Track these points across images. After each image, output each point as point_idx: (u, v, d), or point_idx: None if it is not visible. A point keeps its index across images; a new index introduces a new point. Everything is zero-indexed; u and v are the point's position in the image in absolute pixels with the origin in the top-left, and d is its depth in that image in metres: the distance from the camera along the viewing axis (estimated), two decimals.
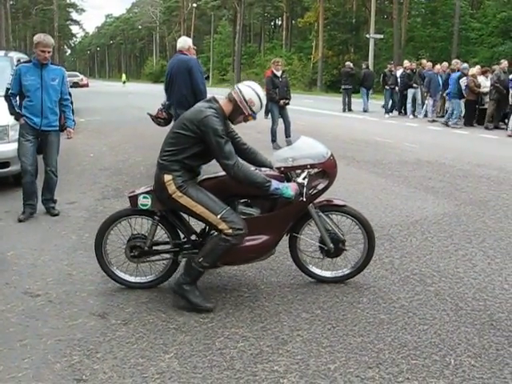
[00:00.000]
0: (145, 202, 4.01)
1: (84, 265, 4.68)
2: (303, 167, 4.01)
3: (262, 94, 4.00)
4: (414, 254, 5.04)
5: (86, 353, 3.27)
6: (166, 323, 3.65)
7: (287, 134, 11.65)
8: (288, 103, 11.65)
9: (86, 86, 50.23)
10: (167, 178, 3.82)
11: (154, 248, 4.17)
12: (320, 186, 4.06)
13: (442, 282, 4.38)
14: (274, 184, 3.78)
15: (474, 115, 16.56)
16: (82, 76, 55.41)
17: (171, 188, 3.81)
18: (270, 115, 11.84)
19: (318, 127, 13.86)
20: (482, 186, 7.94)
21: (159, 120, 8.23)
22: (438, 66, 17.98)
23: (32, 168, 6.03)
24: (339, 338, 3.47)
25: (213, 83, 56.05)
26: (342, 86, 21.85)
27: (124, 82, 64.50)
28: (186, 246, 4.10)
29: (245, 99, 3.89)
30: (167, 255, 4.17)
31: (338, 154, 10.75)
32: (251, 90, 3.93)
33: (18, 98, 6.08)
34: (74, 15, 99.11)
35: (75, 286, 4.26)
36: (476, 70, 16.80)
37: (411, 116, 18.75)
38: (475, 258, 4.96)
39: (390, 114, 19.64)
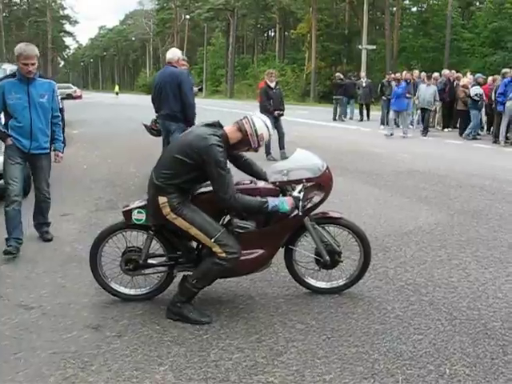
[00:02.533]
0: (139, 216, 4.00)
1: (78, 277, 4.66)
2: (299, 181, 3.99)
3: (271, 128, 3.96)
4: (408, 263, 5.05)
5: (81, 365, 3.26)
6: (160, 335, 3.64)
7: (281, 146, 11.68)
8: (282, 114, 11.70)
9: (80, 97, 50.17)
10: (162, 200, 3.77)
11: (149, 261, 4.15)
12: (316, 199, 4.05)
13: (437, 292, 4.39)
14: (271, 203, 3.76)
15: (467, 125, 16.64)
16: (75, 88, 55.35)
17: (166, 210, 3.77)
18: None
19: (312, 138, 13.90)
20: (476, 196, 7.98)
21: (152, 131, 8.25)
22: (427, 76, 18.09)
23: (19, 197, 5.31)
24: (334, 349, 3.47)
25: (206, 95, 56.15)
26: (334, 97, 22.71)
27: (117, 94, 64.47)
28: (181, 259, 4.09)
29: (256, 133, 3.82)
30: (162, 268, 4.16)
31: (332, 164, 10.69)
32: (263, 125, 3.86)
33: (1, 115, 5.41)
34: (68, 27, 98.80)
35: (69, 298, 4.25)
36: (467, 79, 16.91)
37: (401, 126, 18.81)
38: (469, 267, 4.98)
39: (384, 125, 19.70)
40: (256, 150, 3.94)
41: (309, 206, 4.02)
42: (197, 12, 67.66)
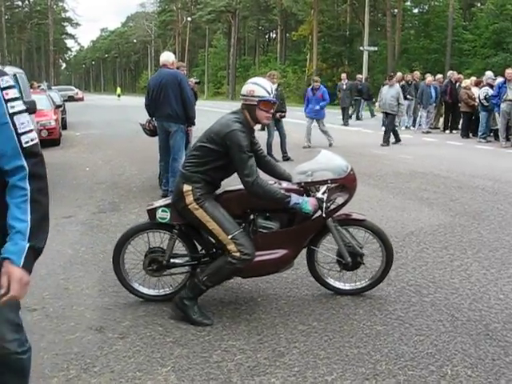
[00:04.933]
0: (164, 215, 4.01)
1: (80, 279, 4.68)
2: (324, 182, 4.01)
3: (255, 79, 4.09)
4: (409, 265, 5.05)
5: (84, 367, 3.27)
6: (163, 337, 3.65)
7: (283, 147, 11.71)
8: (284, 116, 11.72)
9: (82, 99, 50.37)
10: (186, 188, 3.83)
11: (172, 261, 4.17)
12: (339, 201, 4.10)
13: (438, 293, 4.39)
14: (294, 199, 3.79)
15: (470, 127, 16.64)
16: (77, 90, 55.57)
17: (189, 199, 3.82)
18: (266, 128, 11.88)
19: (314, 139, 13.88)
20: (477, 197, 7.98)
21: (146, 131, 8.27)
22: (430, 78, 18.07)
23: None
24: (336, 350, 3.48)
25: (208, 96, 56.25)
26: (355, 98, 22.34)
27: (119, 96, 64.60)
28: (205, 259, 4.11)
29: (245, 95, 3.92)
30: (185, 268, 4.20)
31: None
32: (245, 85, 3.98)
33: None
34: (69, 29, 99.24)
35: (72, 300, 4.26)
36: (470, 81, 16.92)
37: (403, 127, 18.85)
38: (470, 268, 4.98)
39: None
40: (271, 102, 3.90)
41: (332, 207, 4.05)
42: (198, 14, 67.82)
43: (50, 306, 4.15)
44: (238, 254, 3.75)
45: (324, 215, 3.92)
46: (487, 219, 6.72)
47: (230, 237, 3.76)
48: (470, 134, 16.47)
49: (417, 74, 20.12)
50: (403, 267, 4.98)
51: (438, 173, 10.09)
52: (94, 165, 11.13)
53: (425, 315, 3.99)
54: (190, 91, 7.56)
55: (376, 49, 40.85)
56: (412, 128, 18.78)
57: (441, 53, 42.82)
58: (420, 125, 18.34)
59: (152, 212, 4.05)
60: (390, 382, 3.11)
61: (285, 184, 4.10)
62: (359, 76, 24.87)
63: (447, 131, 18.01)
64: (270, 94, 3.89)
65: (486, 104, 15.31)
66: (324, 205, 3.88)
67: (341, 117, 21.12)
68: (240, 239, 3.77)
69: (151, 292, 4.25)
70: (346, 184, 4.08)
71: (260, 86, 3.91)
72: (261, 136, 12.22)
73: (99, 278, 4.74)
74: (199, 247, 4.16)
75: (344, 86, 20.96)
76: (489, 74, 16.81)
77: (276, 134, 11.68)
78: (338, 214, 4.14)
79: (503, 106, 14.27)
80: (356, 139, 16.07)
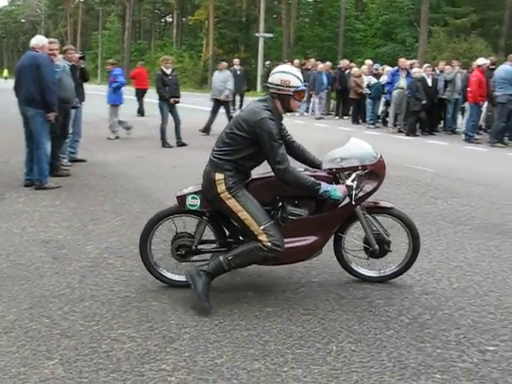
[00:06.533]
0: (194, 202, 4.00)
1: None
2: (354, 168, 4.03)
3: (288, 67, 4.10)
4: None
5: None
6: (49, 329, 3.54)
7: (177, 133, 11.62)
8: (178, 101, 11.62)
9: None
10: (219, 176, 3.83)
11: (201, 247, 4.16)
12: (368, 188, 4.12)
13: (325, 274, 4.56)
14: (323, 186, 3.82)
15: (359, 113, 17.29)
16: None
17: (221, 187, 3.82)
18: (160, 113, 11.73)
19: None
20: None
21: None
22: (321, 65, 18.56)
23: None
24: (226, 333, 3.53)
25: (101, 81, 54.55)
26: None
27: (6, 78, 61.14)
28: (234, 245, 4.08)
29: (279, 85, 3.89)
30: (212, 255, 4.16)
31: None
32: (276, 74, 3.94)
33: None
34: None
35: None
36: (360, 69, 17.49)
37: (297, 114, 19.24)
38: None
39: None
40: (303, 91, 4.01)
41: (361, 194, 4.06)
42: None
43: None
44: (269, 244, 3.77)
45: (353, 202, 3.95)
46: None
47: (261, 228, 3.78)
48: (360, 120, 17.14)
49: (312, 61, 20.49)
50: None
51: None
52: None
53: (313, 295, 4.14)
54: (51, 76, 7.26)
55: (272, 35, 41.41)
56: (305, 114, 19.22)
57: (334, 41, 44.05)
58: (313, 111, 18.80)
59: (182, 199, 4.02)
60: (278, 361, 3.20)
61: (313, 171, 4.11)
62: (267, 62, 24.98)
63: (337, 117, 18.59)
64: (302, 82, 3.96)
65: (368, 92, 15.99)
66: (353, 192, 3.91)
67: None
68: (271, 231, 3.79)
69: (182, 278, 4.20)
70: (375, 170, 4.10)
71: (295, 76, 3.92)
72: (154, 122, 12.14)
73: None
74: (227, 233, 4.17)
75: (238, 72, 20.74)
76: (368, 62, 17.47)
77: (170, 119, 11.57)
78: (366, 201, 4.18)
79: (395, 93, 14.95)
80: None
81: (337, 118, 18.50)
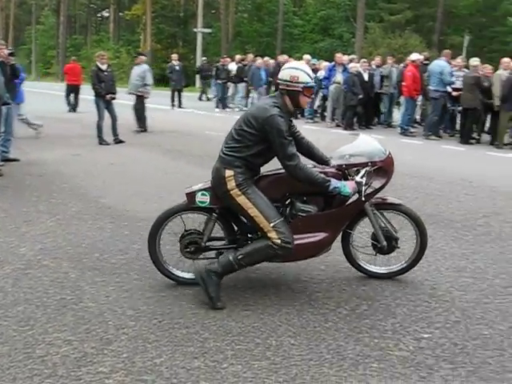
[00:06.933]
0: (203, 199, 3.98)
1: None
2: (363, 164, 4.04)
3: (296, 64, 4.08)
4: None
5: None
6: None
7: (114, 130, 11.43)
8: (114, 98, 11.41)
9: None
10: (229, 173, 3.82)
11: (210, 244, 4.13)
12: (377, 185, 4.12)
13: (264, 268, 4.56)
14: (333, 183, 3.83)
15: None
16: None
17: (231, 184, 3.82)
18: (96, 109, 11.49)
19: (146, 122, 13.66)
20: None
21: None
22: (260, 60, 18.60)
23: None
24: (165, 332, 3.49)
25: (35, 77, 53.04)
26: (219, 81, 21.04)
27: None
28: (244, 242, 4.07)
29: (288, 81, 3.87)
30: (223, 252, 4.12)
31: (166, 148, 10.80)
32: (286, 70, 3.94)
33: None
34: None
35: None
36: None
37: (237, 109, 19.28)
38: None
39: (222, 108, 19.96)
40: (312, 87, 4.00)
41: (370, 191, 4.07)
42: None
43: None
44: (279, 242, 3.77)
45: (363, 199, 3.96)
46: None
47: (271, 225, 3.77)
48: (299, 115, 17.27)
49: (251, 56, 20.45)
50: None
51: None
52: None
53: (252, 291, 4.14)
54: None
55: (210, 31, 41.20)
56: (245, 109, 19.21)
57: (272, 36, 44.27)
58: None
59: (191, 196, 3.98)
60: (218, 358, 3.19)
61: (322, 167, 4.10)
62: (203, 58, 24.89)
63: None
64: (312, 79, 3.96)
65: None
66: (363, 188, 3.91)
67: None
68: (281, 228, 3.79)
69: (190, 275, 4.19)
70: (384, 167, 4.10)
71: (304, 72, 3.90)
72: (91, 118, 11.88)
73: None
74: (236, 230, 4.15)
75: (177, 67, 20.54)
76: (306, 57, 17.57)
77: (107, 115, 11.35)
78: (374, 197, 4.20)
79: (332, 88, 15.15)
80: (190, 121, 16.08)
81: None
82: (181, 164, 9.15)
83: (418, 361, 3.24)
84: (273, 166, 4.09)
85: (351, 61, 15.49)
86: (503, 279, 4.51)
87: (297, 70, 3.92)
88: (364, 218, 4.26)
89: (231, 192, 3.84)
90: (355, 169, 4.08)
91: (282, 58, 19.11)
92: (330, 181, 3.85)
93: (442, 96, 13.11)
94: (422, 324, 3.69)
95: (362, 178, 3.95)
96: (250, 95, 18.98)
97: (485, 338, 3.53)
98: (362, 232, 4.51)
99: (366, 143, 4.26)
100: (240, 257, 3.85)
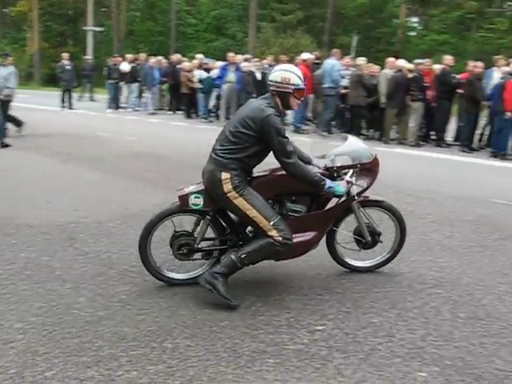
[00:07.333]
0: (197, 201, 3.97)
1: None
2: (353, 166, 4.22)
3: (288, 66, 4.12)
4: (132, 246, 5.00)
5: None
6: None
7: (1, 134, 10.87)
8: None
9: None
10: (225, 175, 3.83)
11: (203, 246, 4.15)
12: (365, 184, 4.28)
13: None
14: (328, 182, 3.96)
15: (191, 107, 17.38)
16: None
17: (227, 187, 3.83)
18: None
19: (34, 123, 13.00)
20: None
21: None
22: (153, 60, 18.37)
23: None
24: (56, 343, 3.37)
25: None
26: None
27: None
28: (237, 244, 4.12)
29: (279, 82, 3.93)
30: (215, 253, 4.19)
31: (55, 150, 10.40)
32: (277, 72, 3.99)
33: None
34: None
35: None
36: (191, 64, 17.49)
37: (130, 109, 18.95)
38: None
39: (115, 108, 19.48)
40: (303, 90, 4.02)
41: (360, 189, 4.24)
42: None
43: None
44: (280, 239, 3.84)
45: (356, 197, 4.18)
46: None
47: (271, 223, 3.84)
48: (193, 115, 17.26)
49: (144, 56, 20.07)
50: (126, 249, 5.00)
51: (161, 153, 10.36)
52: None
53: (146, 294, 4.09)
54: None
55: (102, 29, 40.11)
56: (138, 109, 18.92)
57: (166, 35, 43.81)
58: (146, 106, 18.55)
59: (184, 198, 3.97)
60: (112, 366, 3.13)
61: (310, 167, 4.15)
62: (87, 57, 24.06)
63: (170, 112, 18.50)
64: (302, 81, 4.00)
65: (200, 86, 16.22)
66: (354, 187, 4.12)
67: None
68: (281, 225, 3.87)
69: (183, 276, 4.27)
70: (372, 167, 4.29)
71: (295, 75, 3.96)
72: None
73: None
74: (226, 230, 4.18)
75: (69, 67, 19.76)
76: (199, 56, 17.53)
77: None
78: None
79: (225, 87, 15.27)
80: (81, 122, 15.55)
81: (170, 112, 18.41)
82: (70, 167, 8.83)
83: (313, 353, 3.34)
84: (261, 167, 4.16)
85: (246, 60, 15.65)
86: (391, 269, 4.74)
87: (288, 72, 4.00)
88: (349, 215, 4.45)
89: (228, 195, 3.87)
90: (344, 170, 4.27)
91: (176, 57, 19.01)
92: (325, 181, 4.00)
93: (335, 93, 13.53)
94: (315, 317, 3.82)
95: (351, 177, 4.19)
96: (144, 95, 18.69)
97: (375, 326, 3.71)
98: (344, 228, 4.63)
99: (355, 145, 4.47)
100: (243, 256, 3.91)
